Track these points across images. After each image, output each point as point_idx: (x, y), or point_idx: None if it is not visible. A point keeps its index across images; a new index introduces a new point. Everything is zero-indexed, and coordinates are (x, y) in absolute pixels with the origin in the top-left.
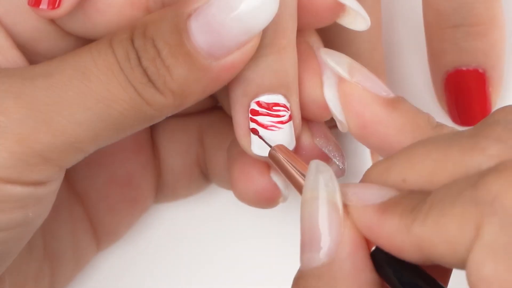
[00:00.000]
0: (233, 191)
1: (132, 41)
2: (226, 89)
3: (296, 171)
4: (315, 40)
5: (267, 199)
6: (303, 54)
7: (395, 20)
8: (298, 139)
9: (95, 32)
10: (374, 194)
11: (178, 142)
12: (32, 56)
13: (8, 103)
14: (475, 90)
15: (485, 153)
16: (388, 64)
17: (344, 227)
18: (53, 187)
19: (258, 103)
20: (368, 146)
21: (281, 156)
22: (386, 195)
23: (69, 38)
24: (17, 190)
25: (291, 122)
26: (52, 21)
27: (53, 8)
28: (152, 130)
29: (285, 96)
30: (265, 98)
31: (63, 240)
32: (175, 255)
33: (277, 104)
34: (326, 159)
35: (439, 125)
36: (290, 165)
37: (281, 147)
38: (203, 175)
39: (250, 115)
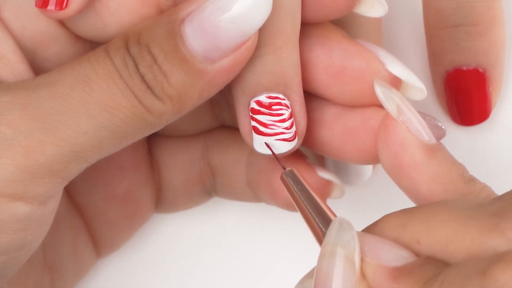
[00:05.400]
0: (274, 202)
1: (127, 48)
2: (227, 100)
3: (307, 204)
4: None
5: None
6: (351, 47)
7: (395, 20)
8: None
9: (106, 33)
10: (390, 254)
11: (180, 160)
12: (41, 62)
13: (14, 115)
14: (475, 90)
15: (505, 236)
16: None
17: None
18: (52, 206)
19: (258, 102)
20: (398, 184)
21: (292, 184)
22: (401, 259)
23: (79, 42)
24: (21, 209)
25: (291, 120)
26: (62, 24)
27: (61, 8)
28: (153, 148)
29: (285, 95)
30: (264, 97)
31: (63, 251)
32: (174, 264)
33: (277, 103)
34: None
35: (472, 180)
36: (301, 196)
37: (292, 173)
38: (205, 191)
39: (250, 114)
